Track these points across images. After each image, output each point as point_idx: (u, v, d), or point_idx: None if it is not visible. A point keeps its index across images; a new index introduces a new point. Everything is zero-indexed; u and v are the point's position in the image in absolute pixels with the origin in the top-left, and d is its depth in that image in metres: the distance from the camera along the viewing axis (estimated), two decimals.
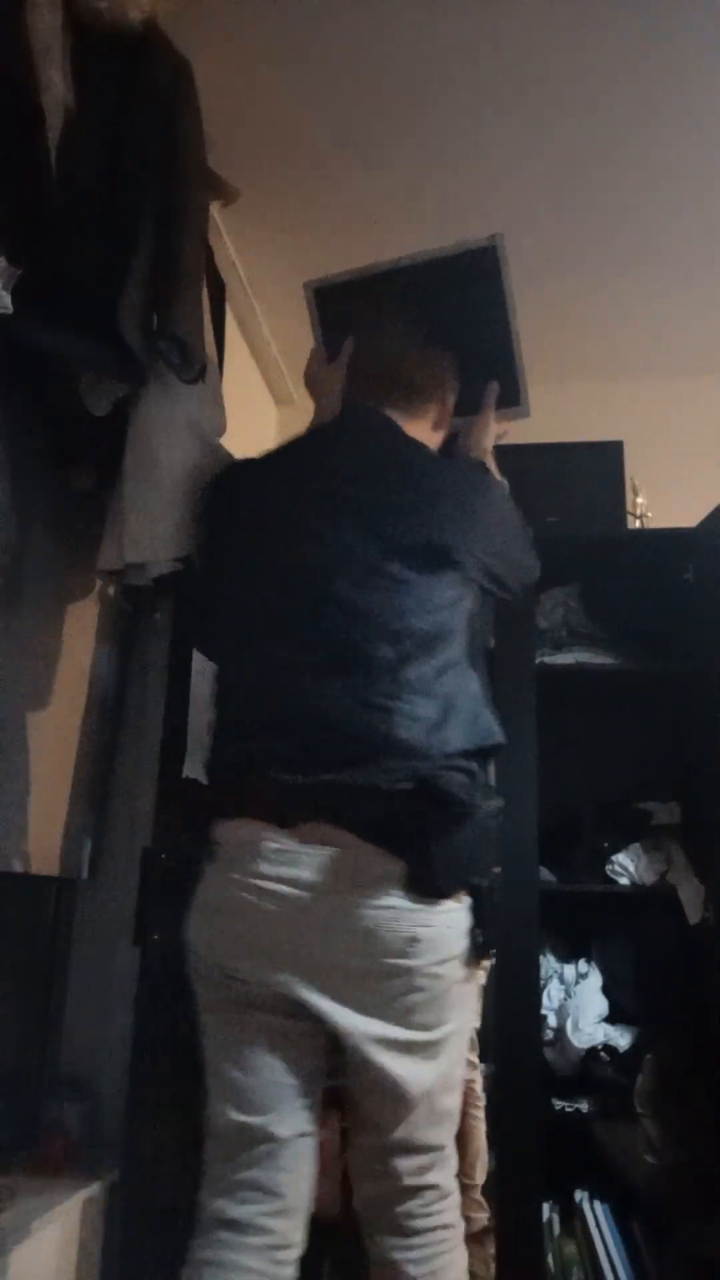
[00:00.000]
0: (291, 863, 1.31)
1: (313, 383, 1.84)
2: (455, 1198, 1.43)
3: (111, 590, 2.14)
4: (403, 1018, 1.29)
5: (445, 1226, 1.39)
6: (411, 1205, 1.37)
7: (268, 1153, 1.31)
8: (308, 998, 1.29)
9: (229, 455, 1.84)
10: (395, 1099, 1.31)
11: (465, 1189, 2.01)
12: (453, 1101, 1.40)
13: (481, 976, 1.73)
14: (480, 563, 1.49)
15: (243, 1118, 1.31)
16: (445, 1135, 1.39)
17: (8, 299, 1.43)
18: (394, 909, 1.29)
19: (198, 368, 1.71)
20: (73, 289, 1.55)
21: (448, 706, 1.38)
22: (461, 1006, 1.37)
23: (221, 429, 1.96)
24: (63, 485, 1.92)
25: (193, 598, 1.82)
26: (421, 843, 1.31)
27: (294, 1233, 1.31)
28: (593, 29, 1.85)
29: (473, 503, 1.52)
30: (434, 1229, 1.38)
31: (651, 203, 2.29)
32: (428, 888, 1.31)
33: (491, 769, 1.52)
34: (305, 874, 1.31)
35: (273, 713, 1.39)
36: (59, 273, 1.53)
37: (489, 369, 1.80)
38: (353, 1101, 1.40)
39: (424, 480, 1.49)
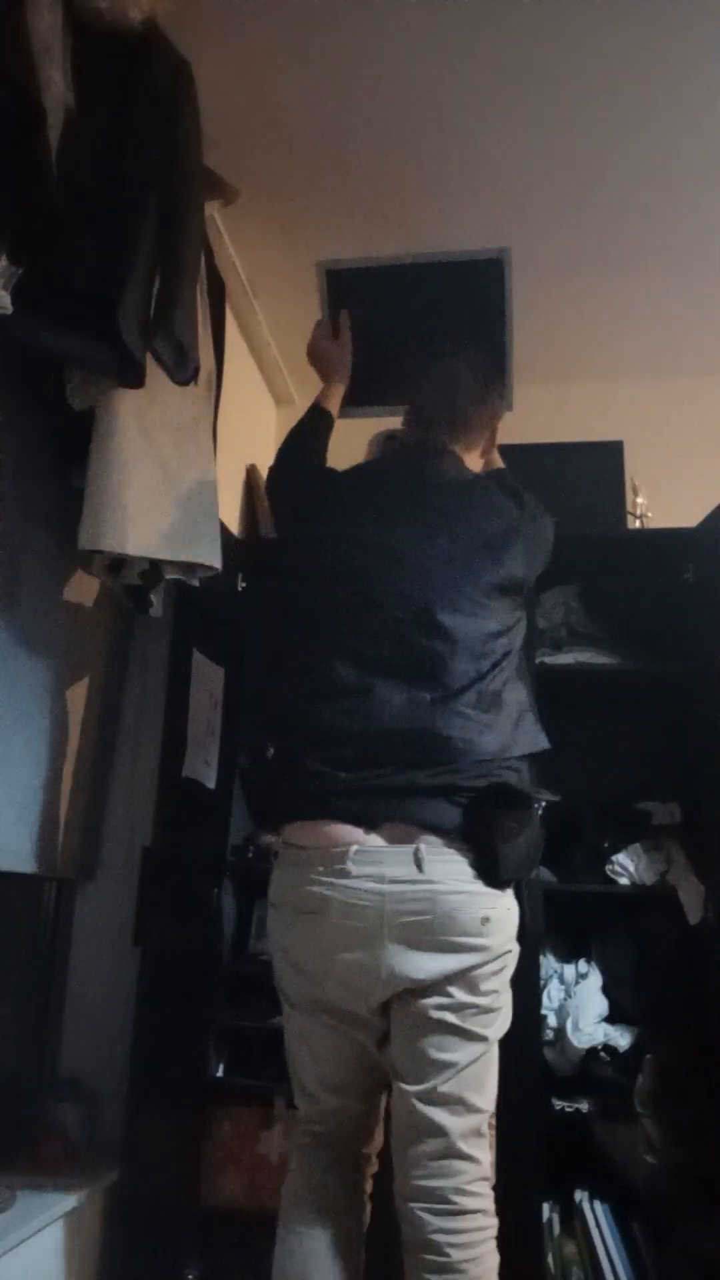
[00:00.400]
0: (377, 861, 1.47)
1: (318, 355, 2.05)
2: (490, 1192, 1.49)
3: (103, 585, 2.13)
4: (473, 986, 1.47)
5: (485, 1212, 1.46)
6: (457, 1180, 1.44)
7: (349, 1118, 1.58)
8: (394, 975, 1.45)
9: (182, 468, 1.84)
10: (453, 1048, 1.46)
11: None
12: (494, 1075, 1.53)
13: None
14: (534, 581, 1.78)
15: (329, 1096, 1.57)
16: (488, 1102, 1.50)
17: (7, 299, 1.43)
18: (468, 894, 1.47)
19: (192, 369, 1.71)
20: (73, 289, 1.55)
21: (509, 715, 1.59)
22: (508, 984, 1.55)
23: (199, 436, 1.94)
24: (63, 485, 1.91)
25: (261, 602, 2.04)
26: (489, 837, 1.49)
27: (372, 1150, 1.60)
28: (594, 30, 1.84)
29: (538, 539, 1.77)
30: (475, 1211, 1.44)
31: (651, 204, 2.29)
32: (494, 876, 1.48)
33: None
34: (390, 870, 1.46)
35: (364, 721, 1.53)
36: (59, 273, 1.53)
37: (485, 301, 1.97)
38: (407, 1055, 1.49)
39: (504, 522, 1.71)
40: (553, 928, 2.34)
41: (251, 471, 2.75)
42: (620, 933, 2.37)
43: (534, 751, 1.62)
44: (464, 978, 1.46)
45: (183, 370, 1.69)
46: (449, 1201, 1.43)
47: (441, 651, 1.56)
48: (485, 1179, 1.48)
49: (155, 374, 1.67)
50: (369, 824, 1.49)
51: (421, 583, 1.61)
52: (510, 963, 1.54)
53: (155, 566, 1.85)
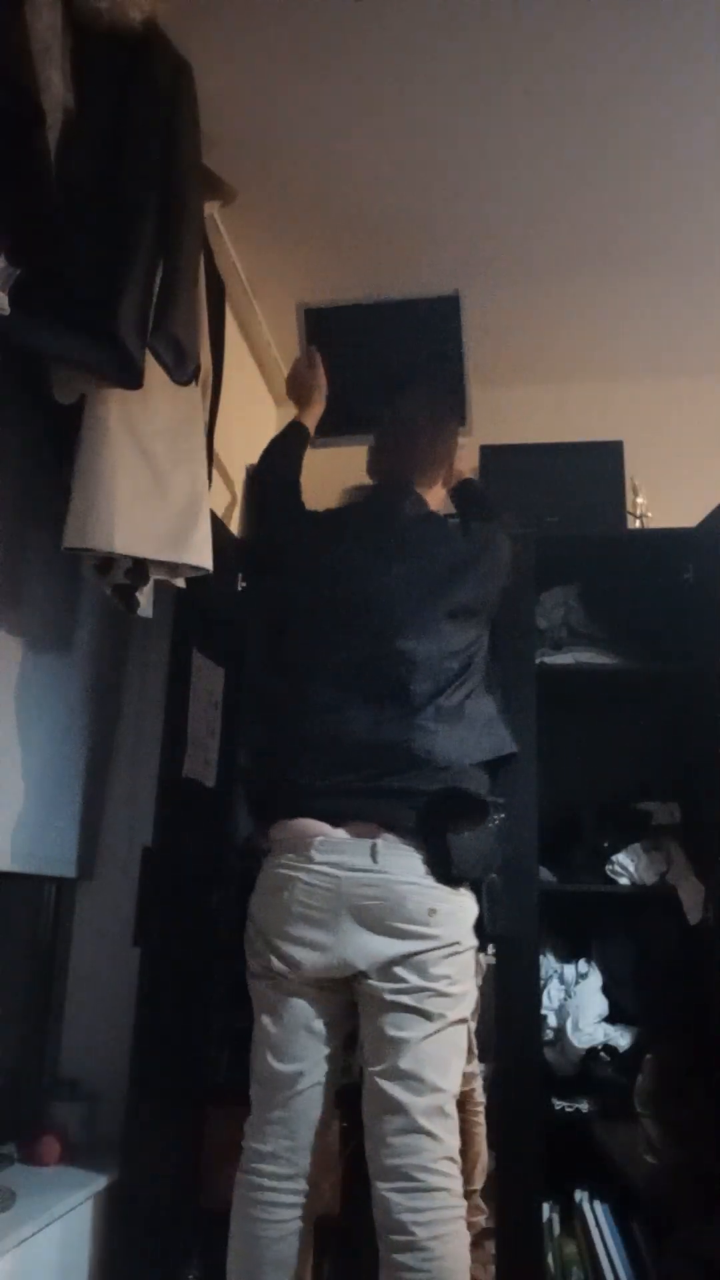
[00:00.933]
0: (339, 850, 1.67)
1: (298, 384, 2.32)
2: (458, 1174, 1.59)
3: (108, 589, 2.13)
4: (422, 971, 1.61)
5: (450, 1192, 1.56)
6: (420, 1158, 1.55)
7: (291, 1095, 1.67)
8: (346, 953, 1.63)
9: (173, 468, 1.83)
10: (408, 1025, 1.59)
11: (466, 1194, 2.01)
12: (459, 1063, 1.65)
13: (482, 966, 1.92)
14: (492, 607, 1.94)
15: (277, 1065, 1.67)
16: (449, 1083, 1.62)
17: (5, 300, 1.43)
18: (418, 885, 1.64)
19: (191, 369, 1.71)
20: (71, 290, 1.55)
21: (472, 725, 1.77)
22: (469, 974, 1.69)
23: (191, 435, 1.93)
24: (62, 484, 1.91)
25: (256, 633, 2.25)
26: (442, 836, 1.66)
27: (310, 1166, 1.67)
28: (595, 30, 1.84)
29: (488, 565, 1.94)
30: (440, 1190, 1.54)
31: (651, 204, 2.29)
32: (445, 874, 1.65)
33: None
34: (350, 859, 1.66)
35: (338, 734, 1.75)
36: (58, 273, 1.53)
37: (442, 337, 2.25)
38: (370, 1037, 1.64)
39: (452, 554, 1.91)
40: (553, 928, 2.34)
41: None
42: (620, 933, 2.37)
43: (502, 756, 1.81)
44: (411, 962, 1.61)
45: (182, 370, 1.69)
46: (413, 1179, 1.53)
47: (402, 673, 1.77)
48: (450, 1159, 1.58)
49: (148, 373, 1.66)
50: (336, 820, 1.70)
51: (384, 612, 1.82)
52: (462, 953, 1.67)
53: (140, 566, 1.84)
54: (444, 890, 1.66)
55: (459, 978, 1.65)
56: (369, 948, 1.62)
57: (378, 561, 1.88)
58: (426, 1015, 1.60)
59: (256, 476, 2.24)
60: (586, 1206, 2.14)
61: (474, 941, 1.71)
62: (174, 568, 1.87)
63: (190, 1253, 2.05)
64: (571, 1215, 2.16)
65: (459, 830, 1.67)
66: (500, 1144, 2.03)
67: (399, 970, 1.61)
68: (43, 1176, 1.89)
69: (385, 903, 1.63)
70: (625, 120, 2.06)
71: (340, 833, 1.69)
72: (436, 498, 2.06)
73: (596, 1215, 2.12)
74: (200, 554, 1.84)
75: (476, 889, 1.73)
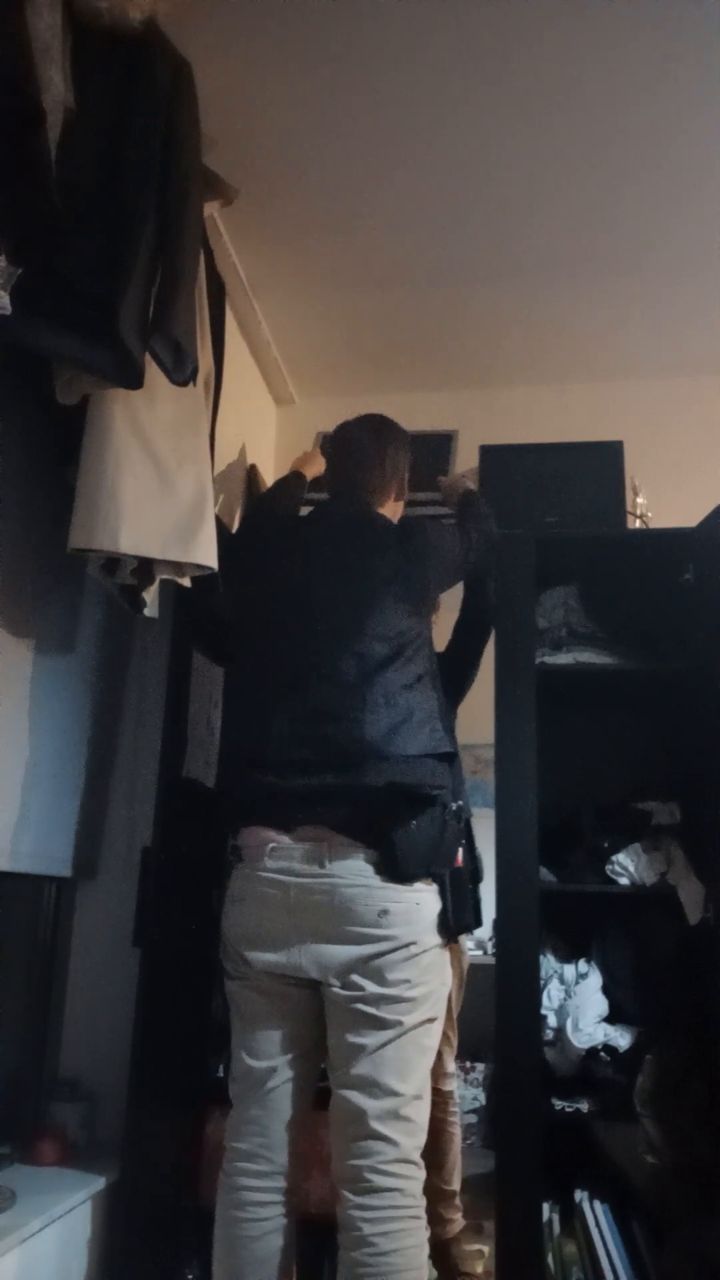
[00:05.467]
0: (287, 857, 1.67)
1: (304, 458, 2.44)
2: (416, 1175, 1.59)
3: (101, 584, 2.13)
4: (379, 976, 1.60)
5: (401, 1192, 1.56)
6: (373, 1159, 1.56)
7: (265, 1092, 1.68)
8: (302, 961, 1.63)
9: (177, 467, 1.83)
10: (365, 1033, 1.59)
11: (443, 1195, 2.03)
12: (422, 1062, 1.64)
13: (464, 961, 2.03)
14: (425, 597, 1.90)
15: (251, 1062, 1.70)
16: (410, 1087, 1.60)
17: (6, 299, 1.43)
18: (366, 887, 1.63)
19: (190, 370, 1.71)
20: (72, 289, 1.55)
21: (408, 717, 1.72)
22: (433, 973, 1.66)
23: (195, 435, 1.93)
24: (62, 484, 1.91)
25: (220, 632, 2.21)
26: (388, 833, 1.64)
27: (289, 1163, 1.67)
28: (594, 32, 1.85)
29: (414, 555, 1.90)
30: (390, 1190, 1.55)
31: (651, 203, 2.29)
32: (394, 871, 1.63)
33: (459, 774, 1.88)
34: (298, 865, 1.66)
35: (271, 735, 1.72)
36: (58, 273, 1.53)
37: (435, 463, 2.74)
38: (333, 1046, 1.64)
39: (379, 543, 1.90)
40: (553, 928, 2.34)
41: (252, 472, 2.75)
42: (620, 933, 2.37)
43: (438, 754, 1.73)
44: (367, 967, 1.60)
45: (181, 370, 1.69)
46: (364, 1179, 1.55)
47: (324, 656, 1.76)
48: (405, 1161, 1.58)
49: (151, 373, 1.66)
50: (285, 827, 1.69)
51: (304, 604, 1.83)
52: (420, 953, 1.63)
53: (146, 566, 1.84)
54: (395, 889, 1.63)
55: (419, 980, 1.63)
56: (322, 957, 1.62)
57: (299, 556, 1.89)
58: (384, 1023, 1.59)
59: (255, 505, 2.38)
60: (586, 1206, 2.14)
61: (435, 940, 1.67)
62: (179, 567, 1.87)
63: (190, 1252, 2.05)
64: (571, 1215, 2.16)
65: (404, 826, 1.64)
66: (500, 1144, 2.03)
67: (356, 977, 1.60)
68: (43, 1176, 1.89)
69: (333, 908, 1.62)
70: (625, 119, 2.06)
71: (287, 839, 1.68)
72: (389, 507, 2.07)
73: (596, 1215, 2.12)
74: (206, 553, 1.83)
75: (440, 882, 1.70)
